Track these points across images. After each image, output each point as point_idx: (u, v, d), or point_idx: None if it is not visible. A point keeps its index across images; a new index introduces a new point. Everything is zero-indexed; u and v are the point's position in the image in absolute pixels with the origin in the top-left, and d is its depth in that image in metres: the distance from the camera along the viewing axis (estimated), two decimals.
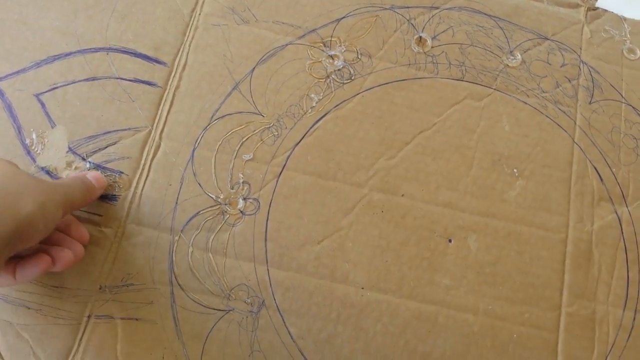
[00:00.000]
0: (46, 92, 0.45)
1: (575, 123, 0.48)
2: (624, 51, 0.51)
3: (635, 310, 0.44)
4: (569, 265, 0.44)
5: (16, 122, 0.43)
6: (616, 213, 0.46)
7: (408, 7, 0.50)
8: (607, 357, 0.43)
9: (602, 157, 0.47)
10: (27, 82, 0.44)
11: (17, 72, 0.45)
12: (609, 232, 0.46)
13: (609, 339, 0.43)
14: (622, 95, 0.50)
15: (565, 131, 0.48)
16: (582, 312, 0.43)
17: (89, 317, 0.40)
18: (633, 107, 0.50)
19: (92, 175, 0.40)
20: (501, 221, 0.45)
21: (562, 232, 0.45)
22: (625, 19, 0.53)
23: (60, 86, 0.45)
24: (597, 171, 0.47)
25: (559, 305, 0.44)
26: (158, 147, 0.44)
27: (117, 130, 0.44)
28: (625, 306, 0.44)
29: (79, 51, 0.46)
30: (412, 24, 0.50)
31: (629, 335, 0.44)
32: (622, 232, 0.46)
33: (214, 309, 0.41)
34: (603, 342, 0.43)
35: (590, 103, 0.49)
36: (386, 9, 0.50)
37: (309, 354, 0.41)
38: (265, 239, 0.43)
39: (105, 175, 0.43)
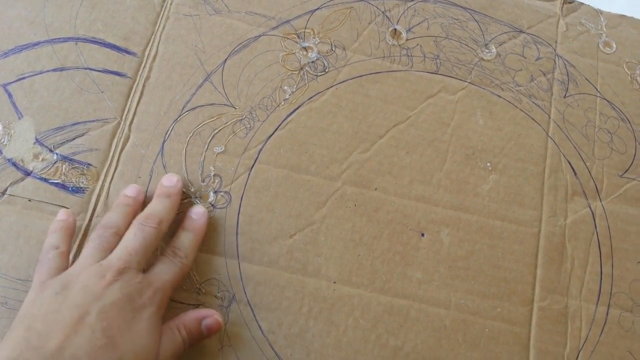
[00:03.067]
0: (13, 82, 0.45)
1: (549, 117, 0.50)
2: (599, 45, 0.53)
3: (609, 305, 0.46)
4: (541, 260, 0.46)
5: None
6: (590, 207, 0.48)
7: None
8: (579, 352, 0.44)
9: (576, 152, 0.49)
10: None
11: None
12: (582, 227, 0.47)
13: (582, 334, 0.45)
14: (597, 89, 0.51)
15: (540, 125, 0.49)
16: (554, 307, 0.45)
17: None
18: (608, 101, 0.51)
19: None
20: (474, 215, 0.46)
21: (535, 227, 0.46)
22: (601, 12, 0.54)
23: (28, 76, 0.45)
24: (571, 165, 0.48)
25: (531, 299, 0.45)
26: (127, 138, 0.45)
27: (86, 122, 0.45)
28: (598, 301, 0.46)
29: (47, 41, 0.46)
30: (387, 16, 0.51)
31: (602, 331, 0.45)
32: (596, 227, 0.47)
33: (184, 303, 0.42)
34: (575, 337, 0.45)
35: (565, 97, 0.50)
36: (361, 0, 0.51)
37: (279, 348, 0.42)
38: (237, 233, 0.44)
39: (72, 168, 0.43)
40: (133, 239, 0.37)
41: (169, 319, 0.38)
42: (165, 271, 0.38)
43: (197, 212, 0.42)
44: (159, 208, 0.40)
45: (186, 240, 0.40)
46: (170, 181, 0.42)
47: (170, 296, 0.38)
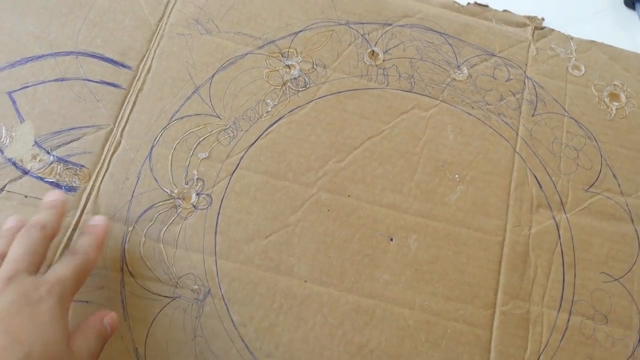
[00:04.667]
0: (18, 90, 0.51)
1: (517, 134, 0.55)
2: (569, 68, 0.58)
3: (570, 312, 0.49)
4: (504, 267, 0.50)
5: None
6: (554, 219, 0.52)
7: (362, 24, 0.57)
8: (539, 355, 0.48)
9: (542, 166, 0.54)
10: (0, 80, 0.51)
11: None
12: (546, 237, 0.51)
13: (543, 339, 0.48)
14: (564, 109, 0.56)
15: (507, 141, 0.54)
16: (516, 312, 0.49)
17: None
18: (575, 120, 0.56)
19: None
20: (441, 223, 0.51)
21: (500, 235, 0.51)
22: (571, 37, 0.60)
23: (31, 85, 0.52)
24: (536, 179, 0.53)
25: (494, 304, 0.49)
26: (119, 143, 0.50)
27: (82, 127, 0.51)
28: (560, 308, 0.50)
29: (50, 54, 0.53)
30: (365, 38, 0.57)
31: (563, 336, 0.49)
32: (560, 237, 0.51)
33: (161, 296, 0.46)
34: (536, 341, 0.48)
35: (533, 115, 0.56)
36: (342, 24, 0.57)
37: (249, 340, 0.46)
38: (215, 232, 0.49)
39: (67, 168, 0.49)
40: (17, 247, 0.38)
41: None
42: (60, 267, 0.38)
43: (95, 218, 0.44)
44: (42, 216, 0.41)
45: (84, 240, 0.41)
46: (52, 195, 0.43)
47: (74, 290, 0.38)
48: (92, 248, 0.41)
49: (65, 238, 0.47)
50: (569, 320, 0.49)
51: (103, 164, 0.49)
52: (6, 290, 0.35)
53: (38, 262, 0.39)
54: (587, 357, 0.48)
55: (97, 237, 0.42)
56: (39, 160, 0.49)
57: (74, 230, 0.47)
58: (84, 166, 0.49)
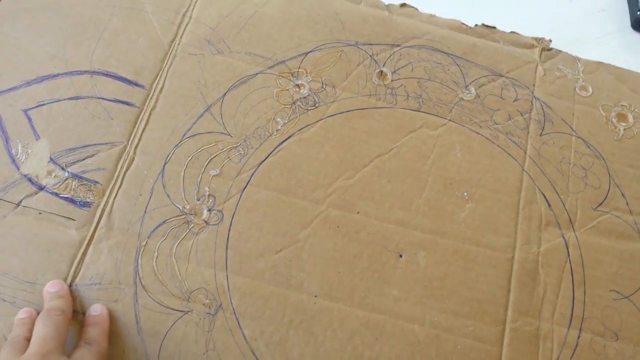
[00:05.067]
0: (33, 108, 0.53)
1: (525, 153, 0.56)
2: (576, 88, 0.60)
3: (580, 329, 0.50)
4: (514, 284, 0.51)
5: (4, 133, 0.52)
6: (563, 237, 0.53)
7: (371, 44, 0.60)
8: None
9: (550, 185, 0.55)
10: (17, 98, 0.53)
11: (9, 90, 0.54)
12: (555, 255, 0.53)
13: (553, 355, 0.49)
14: (572, 129, 0.58)
15: (515, 160, 0.56)
16: (526, 328, 0.50)
17: None
18: (583, 140, 0.58)
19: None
20: (450, 240, 0.52)
21: (509, 253, 0.52)
22: (579, 59, 0.62)
23: (47, 103, 0.54)
24: (545, 197, 0.55)
25: (504, 320, 0.50)
26: (132, 160, 0.52)
27: (96, 144, 0.53)
28: (570, 325, 0.50)
29: (65, 73, 0.55)
30: (374, 59, 0.59)
31: (573, 353, 0.50)
32: (569, 255, 0.53)
33: (174, 310, 0.48)
34: (547, 357, 0.49)
35: (541, 135, 0.57)
36: (351, 45, 0.59)
37: (260, 354, 0.47)
38: (227, 247, 0.50)
39: (81, 184, 0.51)
40: (44, 328, 0.42)
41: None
42: (86, 354, 0.42)
43: (96, 309, 0.46)
44: (56, 303, 0.45)
45: (94, 331, 0.45)
46: (55, 286, 0.46)
47: None
48: (103, 337, 0.45)
49: (80, 253, 0.48)
50: (579, 337, 0.50)
51: (117, 180, 0.51)
52: None
53: (63, 344, 0.42)
54: None
55: (104, 327, 0.46)
56: (54, 176, 0.51)
57: (88, 245, 0.49)
58: (98, 182, 0.51)
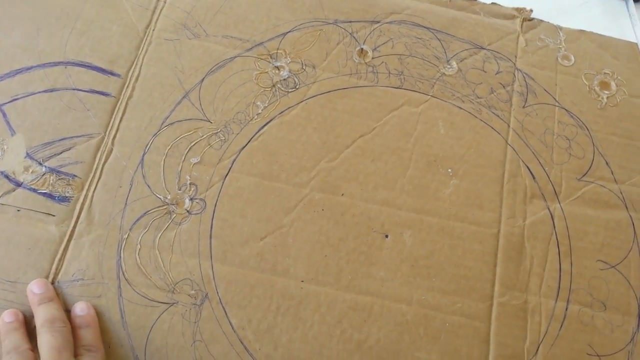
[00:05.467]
0: (8, 103, 0.52)
1: (508, 126, 0.55)
2: (558, 58, 0.59)
3: (568, 301, 0.50)
4: (500, 258, 0.51)
5: None
6: (548, 209, 0.53)
7: (351, 22, 0.58)
8: (539, 345, 0.48)
9: (534, 157, 0.54)
10: None
11: None
12: (540, 227, 0.52)
13: (541, 328, 0.49)
14: (555, 99, 0.57)
15: (499, 133, 0.55)
16: (513, 302, 0.49)
17: None
18: (566, 110, 0.57)
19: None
20: (435, 217, 0.51)
21: (494, 227, 0.51)
22: (560, 28, 0.60)
23: (21, 97, 0.52)
24: (529, 170, 0.54)
25: (491, 295, 0.49)
26: (110, 152, 0.51)
27: (72, 137, 0.51)
28: (557, 297, 0.50)
29: (39, 65, 0.53)
30: (354, 37, 0.57)
31: (561, 325, 0.49)
32: (554, 227, 0.52)
33: (159, 302, 0.47)
34: (535, 330, 0.49)
35: (524, 107, 0.56)
36: (330, 23, 0.58)
37: (248, 343, 0.47)
38: (210, 236, 0.49)
39: (59, 179, 0.50)
40: (53, 340, 0.41)
41: None
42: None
43: (82, 308, 0.45)
44: (52, 311, 0.43)
45: (89, 335, 0.44)
46: (40, 287, 0.45)
47: None
48: (99, 341, 0.44)
49: (61, 249, 0.47)
50: (567, 308, 0.49)
51: (95, 172, 0.50)
52: None
53: (72, 356, 0.41)
54: (586, 345, 0.48)
55: (97, 328, 0.45)
56: (32, 172, 0.49)
57: (69, 240, 0.47)
58: (76, 176, 0.50)
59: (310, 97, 0.54)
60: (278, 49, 0.56)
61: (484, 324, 0.48)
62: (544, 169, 0.53)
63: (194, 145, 0.51)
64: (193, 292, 0.47)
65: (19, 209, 0.48)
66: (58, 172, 0.50)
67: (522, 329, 0.48)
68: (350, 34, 0.57)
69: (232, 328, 0.46)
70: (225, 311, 0.47)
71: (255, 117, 0.53)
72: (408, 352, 0.47)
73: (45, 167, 0.50)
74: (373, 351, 0.47)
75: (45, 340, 0.41)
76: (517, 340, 0.48)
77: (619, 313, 0.49)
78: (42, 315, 0.43)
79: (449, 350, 0.47)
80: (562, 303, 0.49)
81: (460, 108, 0.55)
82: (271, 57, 0.56)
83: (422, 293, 0.49)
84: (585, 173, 0.54)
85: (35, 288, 0.45)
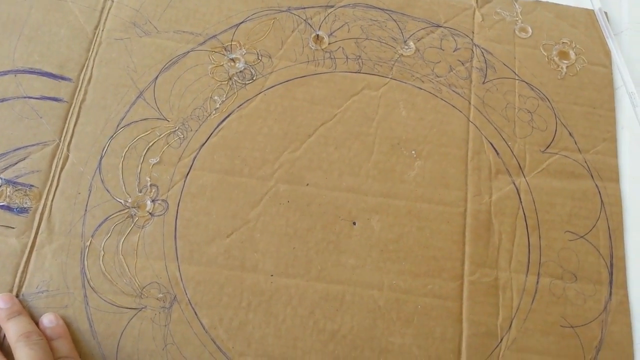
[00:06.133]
0: None
1: (469, 103, 0.54)
2: (515, 31, 0.58)
3: (538, 275, 0.50)
4: (469, 237, 0.50)
5: None
6: (514, 184, 0.52)
7: (304, 8, 0.57)
8: (512, 320, 0.48)
9: (497, 133, 0.54)
10: None
11: None
12: (507, 202, 0.51)
13: (514, 304, 0.49)
14: (515, 73, 0.56)
15: (460, 111, 0.54)
16: (484, 280, 0.49)
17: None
18: (527, 83, 0.56)
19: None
20: (402, 200, 0.51)
21: (461, 206, 0.51)
22: (516, 0, 0.59)
23: None
24: (492, 146, 0.53)
25: (461, 274, 0.49)
26: (66, 158, 0.49)
27: (27, 146, 0.49)
28: (527, 271, 0.50)
29: None
30: (309, 23, 0.56)
31: (533, 299, 0.49)
32: (521, 201, 0.52)
33: (127, 308, 0.46)
34: (507, 306, 0.48)
35: (484, 83, 0.55)
36: (283, 11, 0.56)
37: (221, 342, 0.46)
38: (175, 237, 0.48)
39: (16, 190, 0.48)
40: (34, 353, 0.40)
41: None
42: None
43: (50, 320, 0.44)
44: (24, 325, 0.42)
45: (63, 346, 0.43)
46: (6, 302, 0.44)
47: None
48: (73, 350, 0.43)
49: (23, 261, 0.46)
50: (537, 282, 0.49)
51: (53, 181, 0.48)
52: None
53: None
54: (560, 317, 0.48)
55: (68, 337, 0.44)
56: None
57: (30, 252, 0.46)
58: (33, 185, 0.48)
59: (269, 88, 0.53)
60: (232, 40, 0.55)
61: (456, 303, 0.48)
62: (507, 144, 0.53)
63: (152, 145, 0.50)
64: (161, 295, 0.46)
65: None
66: (14, 183, 0.48)
67: (494, 306, 0.48)
68: (305, 20, 0.56)
69: (204, 328, 0.46)
70: (195, 312, 0.46)
71: (214, 112, 0.52)
72: (382, 337, 0.46)
73: (1, 179, 0.48)
74: (347, 339, 0.46)
75: (24, 354, 0.40)
76: (490, 317, 0.48)
77: (590, 283, 0.49)
78: (15, 330, 0.42)
79: (422, 333, 0.47)
80: (533, 277, 0.49)
81: (420, 88, 0.54)
82: (225, 50, 0.54)
83: (392, 277, 0.48)
84: (549, 145, 0.53)
85: (1, 303, 0.44)
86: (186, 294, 0.46)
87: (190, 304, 0.46)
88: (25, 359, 0.40)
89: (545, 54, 0.57)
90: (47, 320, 0.44)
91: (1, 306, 0.44)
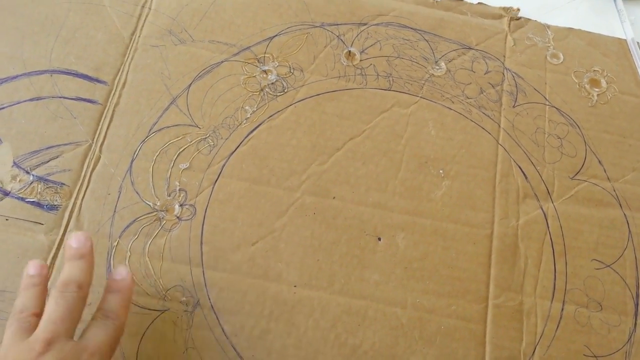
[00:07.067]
0: None
1: (499, 126, 0.55)
2: (547, 57, 0.59)
3: (563, 302, 0.50)
4: (495, 259, 0.50)
5: None
6: (542, 209, 0.52)
7: (337, 24, 0.58)
8: (535, 347, 0.48)
9: (526, 157, 0.54)
10: None
11: None
12: (534, 227, 0.52)
13: (537, 330, 0.48)
14: (545, 98, 0.57)
15: (490, 133, 0.54)
16: (509, 304, 0.49)
17: None
18: (557, 109, 0.56)
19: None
20: (428, 219, 0.51)
21: (488, 228, 0.51)
22: (548, 26, 0.60)
23: (7, 107, 0.51)
24: (521, 170, 0.53)
25: (486, 297, 0.49)
26: (98, 159, 0.50)
27: (60, 145, 0.51)
28: (553, 298, 0.50)
29: (24, 74, 0.53)
30: (341, 39, 0.57)
31: (557, 326, 0.49)
32: (548, 227, 0.52)
33: (150, 309, 0.46)
34: (531, 332, 0.48)
35: (514, 106, 0.56)
36: (316, 26, 0.57)
37: (241, 349, 0.46)
38: (201, 242, 0.49)
39: (47, 187, 0.49)
40: (55, 309, 0.37)
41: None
42: (98, 334, 0.38)
43: (121, 273, 0.42)
44: (75, 272, 0.39)
45: (114, 301, 0.40)
46: (78, 241, 0.41)
47: (109, 357, 0.38)
48: (123, 310, 0.40)
49: (50, 257, 0.46)
50: (562, 309, 0.49)
51: (83, 180, 0.49)
52: (47, 354, 0.35)
53: (75, 325, 0.38)
54: (583, 346, 0.48)
55: (125, 297, 0.41)
56: (19, 181, 0.49)
57: (58, 249, 0.47)
58: (64, 184, 0.49)
59: (299, 101, 0.54)
60: (265, 53, 0.56)
61: (479, 326, 0.48)
62: (536, 169, 0.53)
63: (182, 151, 0.51)
64: (184, 298, 0.46)
65: (7, 218, 0.47)
66: (46, 180, 0.49)
67: (518, 331, 0.48)
68: (338, 36, 0.57)
69: (225, 335, 0.46)
70: (217, 318, 0.46)
71: (244, 121, 0.53)
72: (404, 356, 0.46)
73: (33, 175, 0.49)
74: (368, 355, 0.46)
75: (48, 308, 0.38)
76: (513, 342, 0.48)
77: (615, 313, 0.49)
78: (63, 274, 0.40)
79: (444, 354, 0.47)
80: (558, 304, 0.49)
81: (450, 109, 0.55)
82: (258, 62, 0.55)
83: (416, 296, 0.48)
84: (578, 171, 0.54)
85: (74, 242, 0.41)
86: (209, 299, 0.47)
87: (213, 310, 0.46)
88: (46, 313, 0.37)
89: (577, 81, 0.57)
90: (117, 272, 0.42)
91: (73, 245, 0.41)
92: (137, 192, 0.49)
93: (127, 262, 0.47)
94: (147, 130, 0.51)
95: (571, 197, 0.53)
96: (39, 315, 0.38)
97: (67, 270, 0.40)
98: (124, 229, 0.48)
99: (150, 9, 0.56)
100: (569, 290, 0.50)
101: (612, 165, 0.54)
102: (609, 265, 0.51)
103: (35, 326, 0.37)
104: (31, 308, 0.38)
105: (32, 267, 0.40)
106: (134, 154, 0.50)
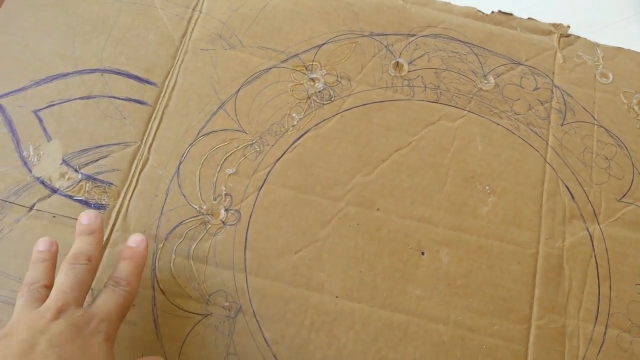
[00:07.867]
0: (44, 108, 0.52)
1: (547, 143, 0.54)
2: (596, 75, 0.58)
3: (606, 326, 0.49)
4: (539, 280, 0.49)
5: (15, 135, 0.50)
6: (587, 230, 0.52)
7: (386, 35, 0.57)
8: None
9: (573, 176, 0.53)
10: (26, 99, 0.52)
11: (18, 90, 0.52)
12: (580, 249, 0.51)
13: (579, 353, 0.48)
14: (594, 117, 0.56)
15: (537, 151, 0.54)
16: (552, 326, 0.48)
17: None
18: (605, 129, 0.56)
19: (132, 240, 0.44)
20: (473, 236, 0.50)
21: (533, 248, 0.50)
22: (598, 45, 0.59)
23: (57, 103, 0.52)
24: (568, 189, 0.53)
25: (529, 318, 0.48)
26: (146, 160, 0.51)
27: (109, 145, 0.51)
28: (596, 321, 0.49)
29: (75, 72, 0.53)
30: (389, 50, 0.57)
31: (599, 350, 0.48)
32: (594, 249, 0.51)
33: (193, 313, 0.46)
34: (573, 355, 0.48)
35: (562, 125, 0.55)
36: (365, 36, 0.57)
37: (281, 358, 0.46)
38: (245, 248, 0.49)
39: (95, 186, 0.49)
40: (65, 279, 0.38)
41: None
42: (107, 301, 0.39)
43: (135, 240, 0.43)
44: (84, 246, 0.41)
45: (126, 268, 0.41)
46: (89, 218, 0.43)
47: (118, 325, 0.39)
48: (134, 277, 0.41)
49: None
50: (605, 333, 0.48)
51: (131, 181, 0.49)
52: (58, 320, 0.36)
53: (85, 294, 0.40)
54: None
55: (137, 264, 0.42)
56: (68, 179, 0.49)
57: (104, 247, 0.47)
58: (112, 184, 0.49)
59: (346, 110, 0.54)
60: (313, 60, 0.56)
61: (522, 347, 0.47)
62: (583, 189, 0.52)
63: (229, 155, 0.51)
64: (227, 303, 0.46)
65: (54, 215, 0.48)
66: (94, 179, 0.49)
67: (560, 354, 0.47)
68: (386, 46, 0.57)
69: (266, 342, 0.46)
70: (259, 325, 0.46)
71: (291, 128, 0.53)
72: None
73: (81, 174, 0.49)
74: None
75: (58, 279, 0.39)
76: None
77: None
78: (73, 248, 0.41)
79: None
80: (601, 327, 0.48)
81: (498, 124, 0.54)
82: (306, 69, 0.55)
83: (459, 313, 0.48)
84: (625, 194, 0.53)
85: (85, 219, 0.43)
86: (251, 305, 0.47)
87: (255, 316, 0.46)
88: (56, 282, 0.39)
89: (626, 102, 0.57)
90: (132, 240, 0.43)
91: (83, 222, 0.43)
92: (183, 195, 0.49)
93: (172, 264, 0.47)
94: (196, 133, 0.51)
95: (617, 219, 0.52)
96: (49, 287, 0.39)
97: (77, 245, 0.42)
98: (170, 231, 0.48)
99: (200, 12, 0.57)
100: (612, 314, 0.49)
101: None
102: None
103: (45, 297, 0.38)
104: (41, 280, 0.40)
105: (41, 244, 0.42)
106: (182, 156, 0.51)
